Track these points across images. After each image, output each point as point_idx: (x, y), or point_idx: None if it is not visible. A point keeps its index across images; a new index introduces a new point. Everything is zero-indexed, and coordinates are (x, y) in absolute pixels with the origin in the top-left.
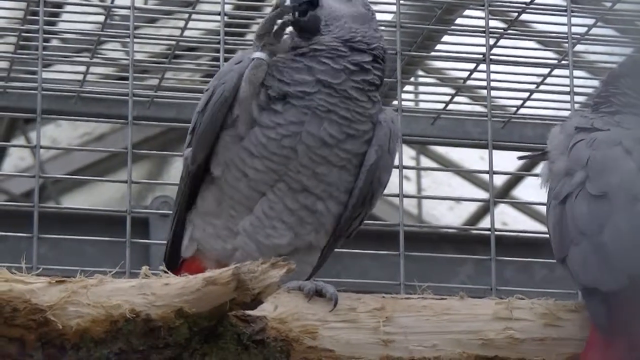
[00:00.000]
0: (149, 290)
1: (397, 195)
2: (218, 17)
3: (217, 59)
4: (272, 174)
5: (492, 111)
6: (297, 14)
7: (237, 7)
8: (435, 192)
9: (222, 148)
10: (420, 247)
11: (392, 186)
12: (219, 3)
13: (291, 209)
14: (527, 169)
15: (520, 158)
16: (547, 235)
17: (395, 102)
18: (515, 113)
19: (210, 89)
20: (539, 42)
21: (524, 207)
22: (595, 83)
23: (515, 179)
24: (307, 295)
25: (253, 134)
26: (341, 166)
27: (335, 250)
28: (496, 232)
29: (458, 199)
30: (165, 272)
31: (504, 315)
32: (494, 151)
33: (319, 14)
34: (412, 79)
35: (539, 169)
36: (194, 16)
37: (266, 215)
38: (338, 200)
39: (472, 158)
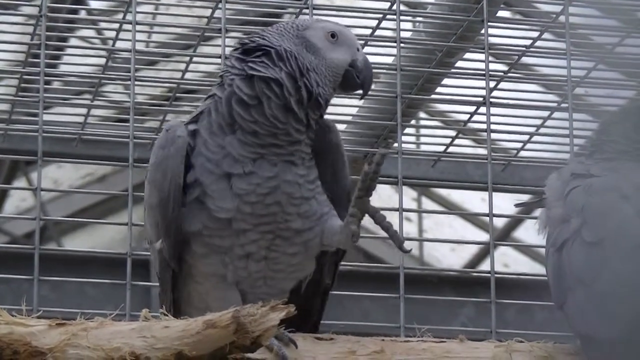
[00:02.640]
0: (149, 333)
1: None
2: (219, 60)
3: None
4: (268, 236)
5: (493, 153)
6: None
7: None
8: (437, 233)
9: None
10: (421, 289)
11: (394, 228)
12: (219, 46)
13: (291, 253)
14: (527, 211)
15: (517, 205)
16: (547, 278)
17: (395, 145)
18: (515, 155)
19: (156, 182)
20: (539, 84)
21: (525, 249)
22: (595, 126)
23: (517, 220)
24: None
25: (237, 211)
26: (313, 196)
27: (336, 292)
28: (496, 275)
29: (458, 242)
30: (165, 314)
31: (504, 359)
32: (495, 193)
33: None
34: (412, 122)
35: (539, 211)
36: (194, 58)
37: (274, 270)
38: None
39: (473, 199)
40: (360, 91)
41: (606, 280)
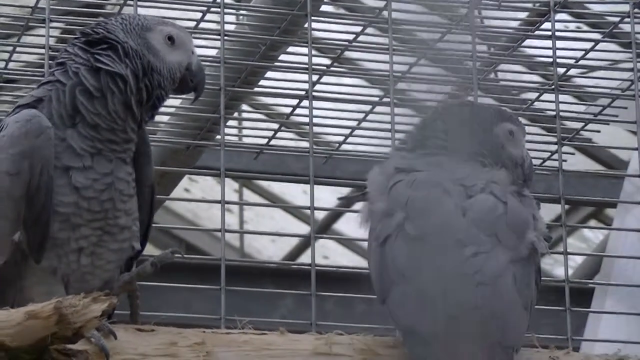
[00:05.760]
0: None
1: (219, 230)
2: (42, 50)
3: None
4: (98, 232)
5: (315, 146)
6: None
7: (62, 41)
8: (258, 224)
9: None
10: (242, 280)
11: (215, 219)
12: (43, 36)
13: (113, 249)
14: (349, 204)
15: (340, 199)
16: (368, 271)
17: (218, 137)
18: (337, 149)
19: (22, 173)
20: (362, 79)
21: (345, 241)
22: (417, 121)
23: (337, 213)
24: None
25: (75, 206)
26: (135, 194)
27: (156, 283)
28: (317, 267)
29: (279, 234)
30: None
31: (324, 351)
32: (316, 186)
33: None
34: (235, 114)
35: (360, 205)
36: (17, 48)
37: (95, 265)
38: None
39: (295, 191)
40: (193, 94)
41: (428, 274)
